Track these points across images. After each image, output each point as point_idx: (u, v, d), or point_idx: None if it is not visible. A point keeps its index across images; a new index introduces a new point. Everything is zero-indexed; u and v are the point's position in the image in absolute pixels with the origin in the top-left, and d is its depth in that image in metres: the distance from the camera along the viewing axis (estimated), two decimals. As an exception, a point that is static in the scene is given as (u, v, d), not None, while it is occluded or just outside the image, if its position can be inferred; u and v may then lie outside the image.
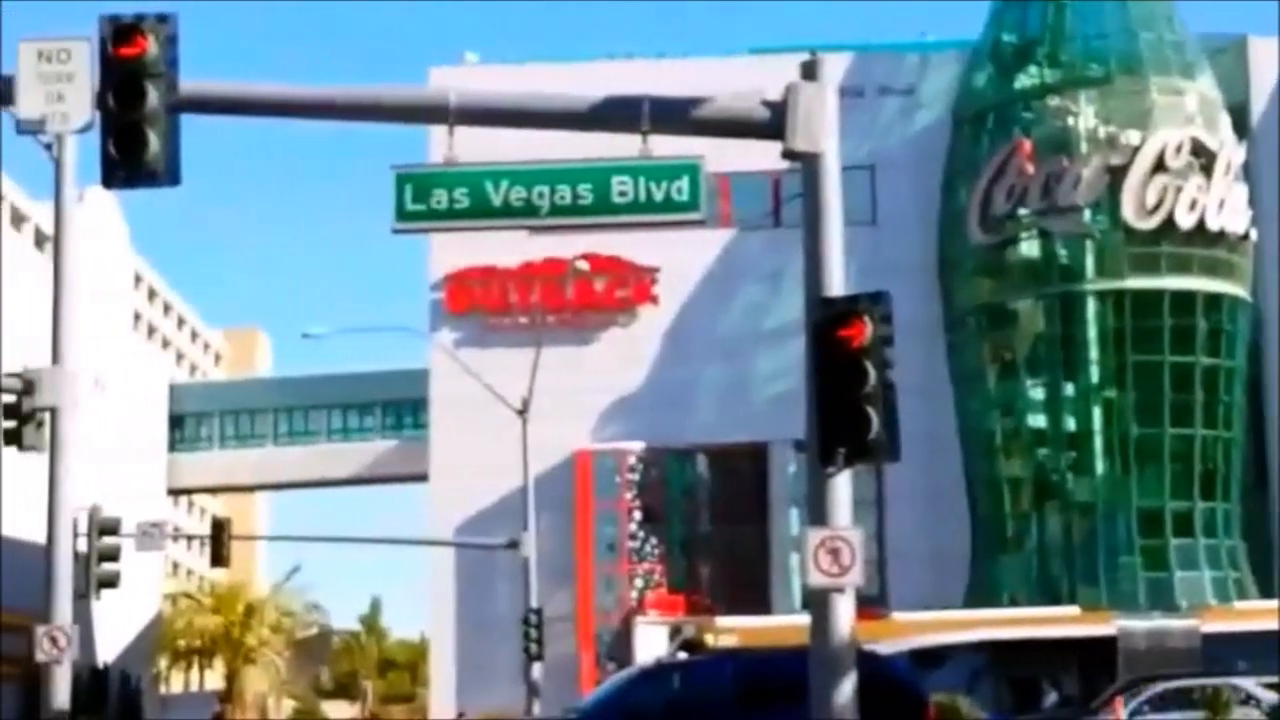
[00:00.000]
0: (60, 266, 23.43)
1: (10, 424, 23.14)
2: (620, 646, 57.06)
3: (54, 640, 22.18)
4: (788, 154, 14.97)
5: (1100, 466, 56.04)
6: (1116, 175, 55.39)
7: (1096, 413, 56.37)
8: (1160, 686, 32.08)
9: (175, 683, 53.27)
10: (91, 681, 57.13)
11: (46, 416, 22.92)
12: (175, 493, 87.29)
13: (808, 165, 14.95)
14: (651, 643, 50.30)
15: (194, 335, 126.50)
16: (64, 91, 14.48)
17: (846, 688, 14.35)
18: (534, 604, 40.31)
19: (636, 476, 60.36)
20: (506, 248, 54.68)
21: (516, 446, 42.70)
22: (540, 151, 15.47)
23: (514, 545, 41.50)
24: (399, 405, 78.41)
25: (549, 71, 53.02)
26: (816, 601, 14.51)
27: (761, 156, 17.73)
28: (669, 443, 60.17)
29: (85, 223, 26.51)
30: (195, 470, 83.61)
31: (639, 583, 59.59)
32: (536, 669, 39.66)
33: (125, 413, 73.00)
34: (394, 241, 77.69)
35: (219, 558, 39.69)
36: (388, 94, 16.20)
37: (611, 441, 60.13)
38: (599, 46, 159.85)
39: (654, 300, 61.38)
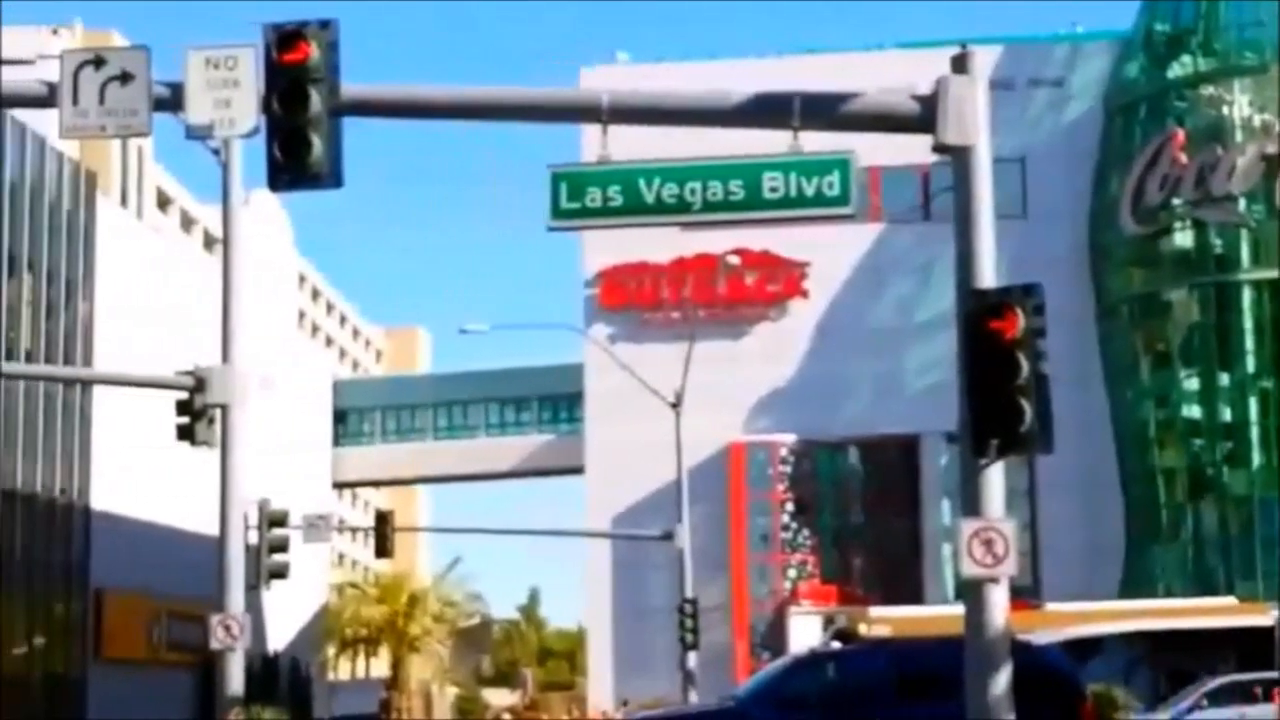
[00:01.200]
0: (229, 268, 23.83)
1: (183, 421, 23.59)
2: (774, 636, 57.02)
3: (228, 628, 22.59)
4: (938, 148, 14.82)
5: (1257, 458, 54.85)
6: (1271, 164, 54.23)
7: (1252, 403, 55.21)
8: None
9: (342, 670, 54.17)
10: (263, 669, 58.31)
11: (218, 413, 23.32)
12: (339, 486, 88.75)
13: (958, 159, 14.79)
14: (805, 632, 50.21)
15: (356, 333, 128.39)
16: (231, 98, 14.73)
17: (1002, 678, 14.20)
18: (689, 594, 40.35)
19: (788, 469, 60.29)
20: (658, 244, 54.86)
21: (670, 439, 42.78)
22: (690, 149, 15.47)
23: (668, 537, 41.55)
24: (555, 400, 78.97)
25: (699, 70, 53.09)
26: (970, 592, 14.36)
27: (911, 150, 17.57)
28: (820, 435, 60.01)
29: (251, 225, 27.01)
30: (358, 464, 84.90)
31: (792, 573, 59.52)
32: (692, 658, 39.70)
33: (291, 409, 74.28)
34: (548, 239, 78.10)
35: (382, 549, 40.19)
36: (541, 95, 16.28)
37: (763, 434, 60.12)
38: (748, 44, 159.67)
39: (804, 294, 61.21)
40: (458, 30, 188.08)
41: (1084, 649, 34.81)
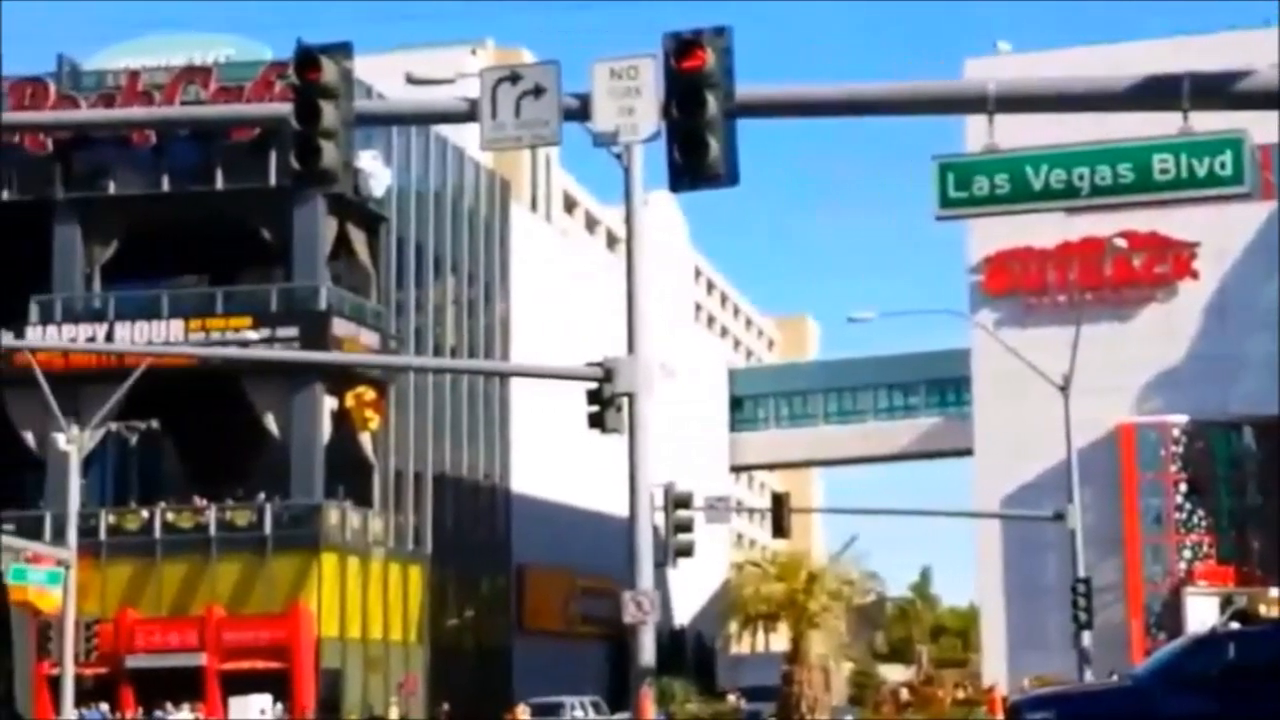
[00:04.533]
0: (632, 265, 24.30)
1: (594, 409, 24.17)
2: (1169, 616, 54.99)
3: (639, 604, 23.00)
4: (1335, 121, 14.02)
5: None
6: None
7: None
8: None
9: (744, 645, 54.79)
10: (670, 642, 59.41)
11: (625, 401, 23.81)
12: (736, 469, 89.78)
13: (1357, 131, 13.97)
14: (1201, 613, 48.32)
15: (748, 323, 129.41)
16: (633, 105, 15.08)
17: None
18: (1081, 574, 39.21)
19: (1181, 449, 58.08)
20: (1043, 229, 53.54)
21: (1058, 421, 41.62)
22: (1071, 135, 15.04)
23: (1059, 517, 40.44)
24: (942, 384, 78.13)
25: (1082, 56, 51.46)
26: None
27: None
28: (1213, 416, 57.59)
29: (651, 224, 27.53)
30: (753, 448, 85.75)
31: (1187, 554, 57.32)
32: (1086, 637, 38.57)
33: (690, 396, 75.50)
34: (933, 227, 77.30)
35: (780, 529, 40.35)
36: (929, 88, 16.07)
37: (1154, 415, 58.06)
38: (1128, 29, 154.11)
39: (1194, 275, 58.83)
40: (834, 30, 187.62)
41: None
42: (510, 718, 46.75)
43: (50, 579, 39.94)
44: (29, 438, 47.81)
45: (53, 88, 48.18)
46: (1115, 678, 25.73)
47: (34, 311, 48.78)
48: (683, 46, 14.50)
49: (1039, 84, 16.19)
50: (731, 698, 51.35)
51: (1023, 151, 14.83)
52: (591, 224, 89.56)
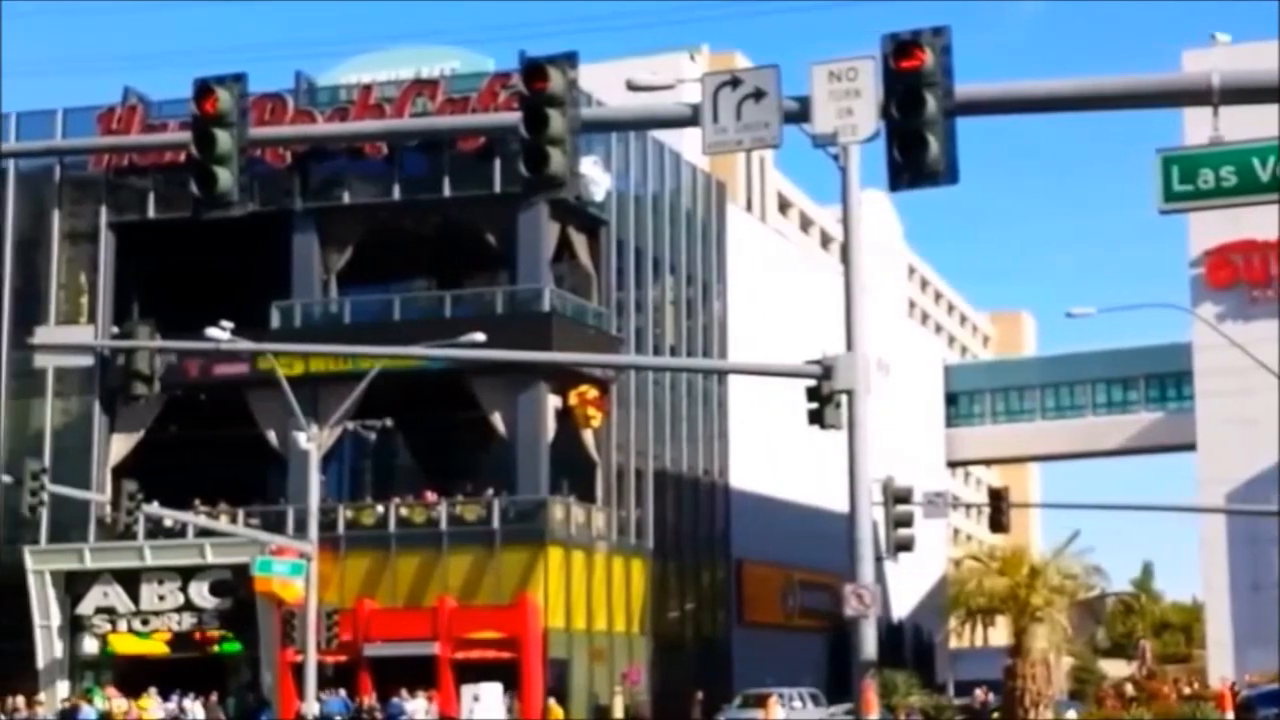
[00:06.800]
0: (850, 263, 24.17)
1: (813, 406, 24.11)
2: None
3: (860, 597, 22.87)
4: None
5: None
6: None
7: None
8: None
9: (963, 639, 54.15)
10: (888, 635, 58.89)
11: (843, 398, 23.70)
12: (953, 465, 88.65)
13: None
14: None
15: (963, 319, 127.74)
16: (852, 106, 15.06)
17: None
18: (1310, 570, 37.94)
19: None
20: (1267, 220, 51.87)
21: (1284, 415, 40.41)
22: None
23: (1287, 512, 39.20)
24: (1162, 378, 76.21)
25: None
26: None
27: None
28: None
29: (866, 222, 27.25)
30: (970, 444, 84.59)
31: None
32: (1315, 634, 37.30)
33: (906, 393, 74.80)
34: (1151, 221, 75.43)
35: (998, 524, 39.78)
36: (1149, 81, 15.72)
37: (1385, 408, 55.77)
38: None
39: None
40: (1044, 27, 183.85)
41: None
42: (764, 713, 46.95)
43: (293, 570, 41.25)
44: (272, 437, 49.43)
45: (290, 103, 49.67)
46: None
47: (275, 317, 50.38)
48: (901, 47, 14.45)
49: (1265, 75, 15.69)
50: (979, 692, 50.61)
51: (1250, 144, 14.45)
52: (806, 224, 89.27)
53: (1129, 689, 52.31)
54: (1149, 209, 15.81)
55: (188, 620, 49.21)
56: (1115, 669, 75.52)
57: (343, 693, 45.64)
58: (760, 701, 47.85)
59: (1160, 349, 71.91)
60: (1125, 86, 15.58)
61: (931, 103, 14.35)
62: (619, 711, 49.22)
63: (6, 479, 40.50)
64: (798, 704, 49.57)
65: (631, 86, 24.70)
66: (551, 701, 46.17)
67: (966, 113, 15.02)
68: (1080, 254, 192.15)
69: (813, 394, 24.04)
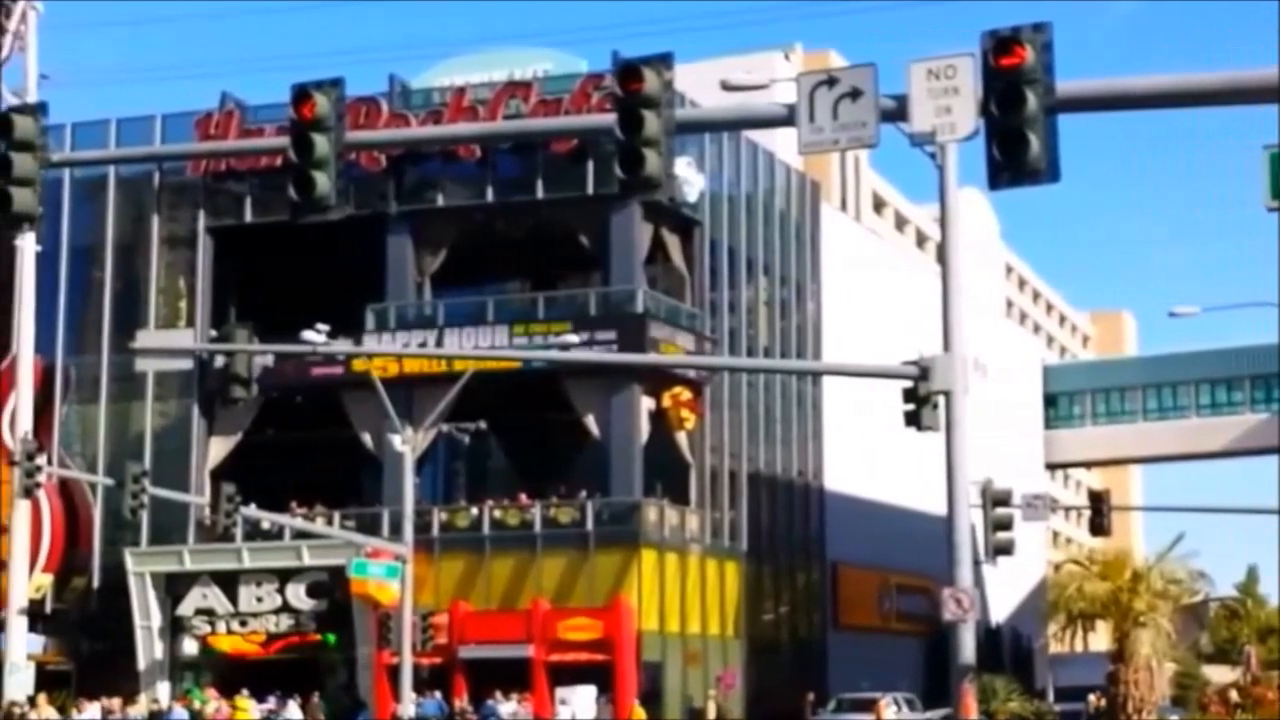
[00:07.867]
0: (947, 263, 23.97)
1: (909, 407, 23.95)
2: None
3: (959, 601, 22.70)
4: None
5: None
6: None
7: None
8: None
9: (1063, 644, 53.58)
10: (986, 640, 58.40)
11: (940, 399, 23.53)
12: (1052, 467, 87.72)
13: None
14: None
15: (1062, 319, 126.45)
16: (951, 104, 14.95)
17: None
18: None
19: None
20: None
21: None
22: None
23: (1398, 515, 38.40)
24: (1267, 379, 75.00)
25: None
26: None
27: None
28: None
29: (963, 221, 26.99)
30: (1069, 445, 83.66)
31: None
32: None
33: (1004, 394, 74.10)
34: (1257, 218, 74.18)
35: (1098, 527, 39.31)
36: (1253, 77, 15.45)
37: None
38: None
39: None
40: (1137, 27, 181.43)
41: None
42: (874, 716, 46.80)
43: (389, 573, 41.58)
44: (366, 439, 49.85)
45: (385, 106, 50.06)
46: None
47: (370, 320, 50.79)
48: (1002, 44, 14.32)
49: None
50: (1091, 698, 50.00)
51: (1360, 138, 14.19)
52: (901, 223, 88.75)
53: (1233, 695, 51.50)
54: (1254, 206, 15.59)
55: (285, 622, 49.74)
56: (1219, 675, 74.32)
57: (438, 695, 45.91)
58: (862, 706, 47.54)
59: (1265, 349, 70.62)
60: (1227, 82, 15.35)
61: (1032, 100, 14.21)
62: (712, 714, 49.14)
63: (108, 482, 41.16)
64: (894, 710, 49.25)
65: (726, 86, 24.67)
66: (635, 703, 46.20)
67: (1068, 110, 14.86)
68: (1183, 252, 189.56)
69: (909, 395, 23.89)
